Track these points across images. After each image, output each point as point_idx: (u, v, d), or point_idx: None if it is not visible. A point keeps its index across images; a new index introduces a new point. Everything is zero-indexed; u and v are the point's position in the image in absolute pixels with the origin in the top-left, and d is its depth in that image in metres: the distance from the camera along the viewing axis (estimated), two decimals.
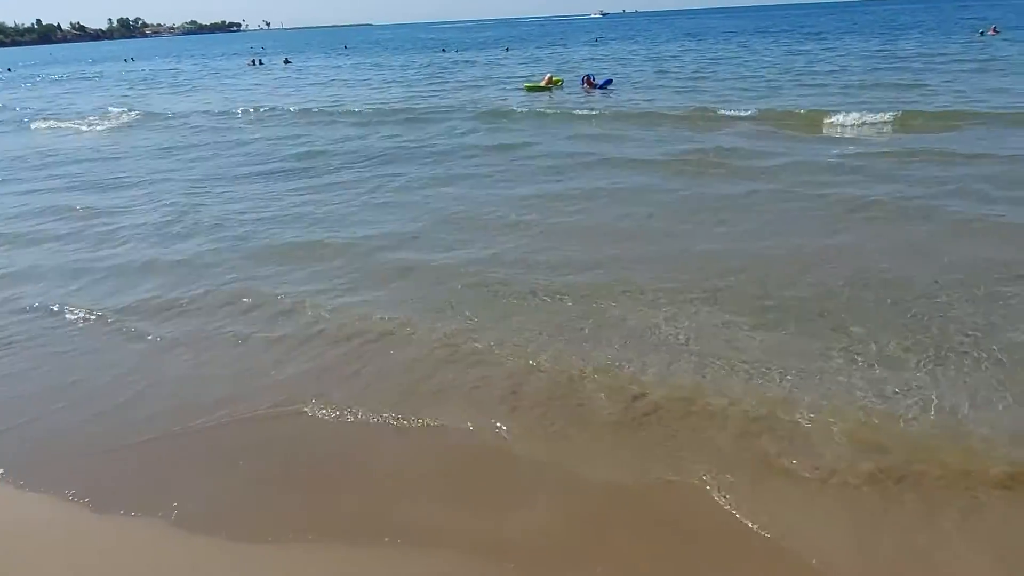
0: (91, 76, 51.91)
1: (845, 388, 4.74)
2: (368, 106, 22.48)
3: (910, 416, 4.40)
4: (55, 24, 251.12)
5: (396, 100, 24.15)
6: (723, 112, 16.55)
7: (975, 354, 5.06)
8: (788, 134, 14.12)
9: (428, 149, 14.75)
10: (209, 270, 7.88)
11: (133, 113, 24.63)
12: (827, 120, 14.75)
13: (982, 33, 37.45)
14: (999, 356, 5.03)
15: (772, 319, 5.84)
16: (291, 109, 22.96)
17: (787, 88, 21.20)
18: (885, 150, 12.11)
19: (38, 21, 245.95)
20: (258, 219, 9.92)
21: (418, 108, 21.31)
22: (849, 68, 25.69)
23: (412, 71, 38.19)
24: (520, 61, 41.62)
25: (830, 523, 3.67)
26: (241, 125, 20.76)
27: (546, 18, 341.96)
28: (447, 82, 30.26)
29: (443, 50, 59.07)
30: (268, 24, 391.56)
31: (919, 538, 3.56)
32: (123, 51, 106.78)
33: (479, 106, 20.83)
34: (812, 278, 6.65)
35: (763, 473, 4.03)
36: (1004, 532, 3.57)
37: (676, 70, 29.43)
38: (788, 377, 4.91)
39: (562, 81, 25.40)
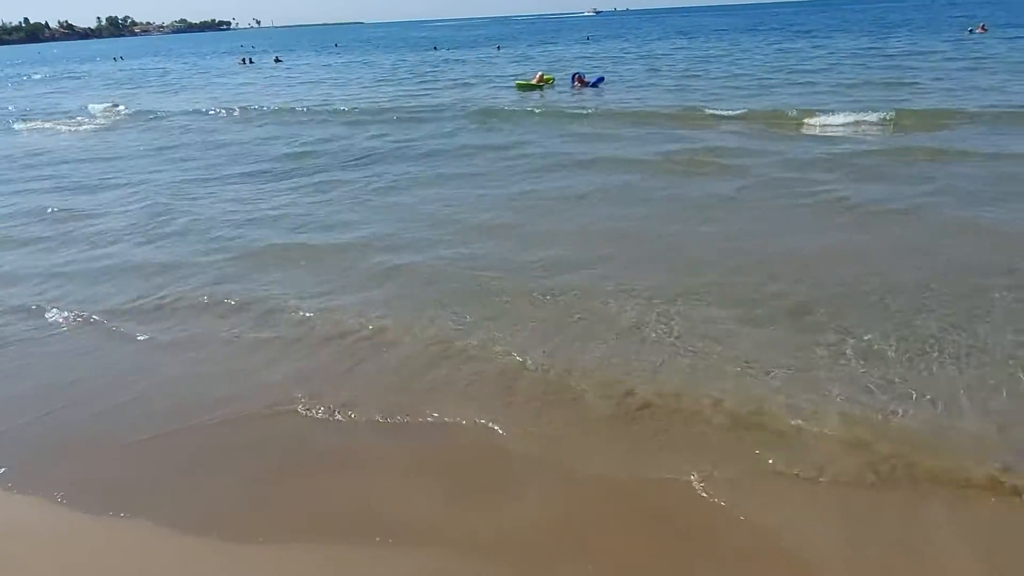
0: (79, 75, 51.48)
1: (835, 385, 4.78)
2: (359, 105, 22.41)
3: (899, 413, 4.44)
4: (43, 23, 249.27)
5: (387, 99, 24.08)
6: (714, 111, 16.57)
7: (964, 352, 5.10)
8: (778, 133, 14.16)
9: (418, 148, 14.71)
10: (199, 271, 7.83)
11: (121, 112, 24.46)
12: (817, 119, 14.80)
13: (971, 31, 37.69)
14: (987, 354, 5.07)
15: (762, 316, 5.87)
16: (281, 108, 22.85)
17: (777, 87, 21.26)
18: (875, 148, 12.17)
19: (26, 19, 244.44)
20: (248, 219, 9.87)
21: (409, 107, 21.27)
22: (839, 66, 25.80)
23: (403, 69, 38.08)
24: (512, 59, 41.58)
25: (820, 518, 3.70)
26: (230, 124, 20.64)
27: (538, 16, 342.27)
28: (438, 80, 30.22)
29: (434, 48, 58.96)
30: (258, 22, 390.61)
31: (909, 534, 3.59)
32: (112, 50, 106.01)
33: (470, 105, 20.79)
34: (802, 276, 6.68)
35: (754, 469, 4.06)
36: (992, 528, 3.61)
37: (667, 68, 29.50)
38: (778, 374, 4.95)
39: (553, 79, 25.40)
